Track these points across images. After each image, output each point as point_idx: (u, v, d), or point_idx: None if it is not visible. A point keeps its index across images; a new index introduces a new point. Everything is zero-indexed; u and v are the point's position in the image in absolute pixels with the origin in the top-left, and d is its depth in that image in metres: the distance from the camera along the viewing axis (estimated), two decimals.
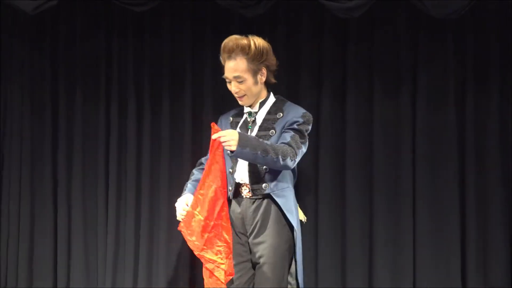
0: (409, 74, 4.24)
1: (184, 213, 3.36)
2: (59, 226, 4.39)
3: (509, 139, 4.20)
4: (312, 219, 4.24)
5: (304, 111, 3.49)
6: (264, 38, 4.12)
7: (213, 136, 3.30)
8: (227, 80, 3.46)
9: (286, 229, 3.42)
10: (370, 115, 4.25)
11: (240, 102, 3.51)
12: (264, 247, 3.40)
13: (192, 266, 4.26)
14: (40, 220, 4.40)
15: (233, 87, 3.44)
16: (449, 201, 4.19)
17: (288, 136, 3.39)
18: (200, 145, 4.25)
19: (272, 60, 3.50)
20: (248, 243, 3.47)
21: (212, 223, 3.33)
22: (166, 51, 4.33)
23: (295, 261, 3.43)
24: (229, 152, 3.28)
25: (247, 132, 3.47)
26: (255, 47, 3.38)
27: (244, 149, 3.25)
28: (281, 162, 3.33)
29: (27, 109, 4.41)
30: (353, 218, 4.23)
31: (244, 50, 3.38)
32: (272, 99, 3.55)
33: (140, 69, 4.34)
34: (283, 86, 4.24)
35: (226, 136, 3.25)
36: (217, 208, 3.34)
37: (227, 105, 3.99)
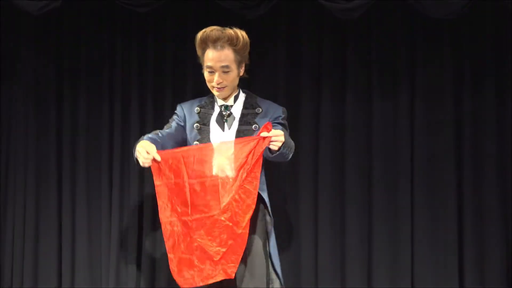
0: (407, 73, 4.27)
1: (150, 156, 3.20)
2: (63, 226, 4.40)
3: (507, 137, 4.23)
4: (312, 219, 4.28)
5: (281, 107, 3.50)
6: (264, 38, 4.20)
7: (265, 134, 3.18)
8: (208, 70, 3.37)
9: (262, 224, 3.37)
10: (369, 114, 4.28)
11: (217, 94, 3.42)
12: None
13: None
14: (44, 220, 4.41)
15: (216, 77, 3.35)
16: (447, 200, 4.22)
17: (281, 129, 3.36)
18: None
19: (248, 54, 3.46)
20: None
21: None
22: (169, 51, 4.35)
23: (270, 254, 3.36)
24: (269, 152, 3.23)
25: (223, 125, 3.42)
26: (242, 38, 3.35)
27: (284, 149, 3.24)
28: (290, 157, 3.39)
29: (31, 108, 4.42)
30: (352, 217, 4.26)
31: (232, 41, 3.32)
32: (242, 93, 3.50)
33: (143, 69, 4.36)
34: (284, 85, 4.30)
35: (278, 136, 3.20)
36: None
37: None
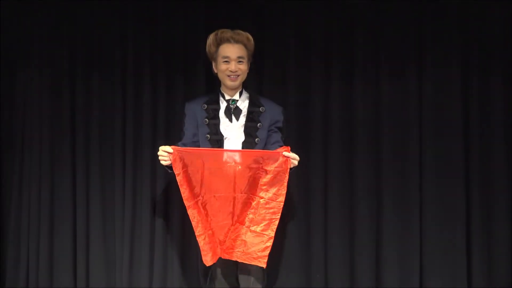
0: (415, 56, 4.29)
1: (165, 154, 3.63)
2: (77, 223, 4.41)
3: None
4: (322, 210, 4.32)
5: (281, 107, 3.91)
6: (273, 22, 4.30)
7: (288, 154, 3.59)
8: (224, 60, 3.78)
9: None
10: (377, 98, 4.31)
11: (230, 82, 3.80)
12: None
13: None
14: (59, 218, 4.41)
15: (233, 66, 3.76)
16: (455, 193, 4.26)
17: (279, 138, 3.82)
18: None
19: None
20: None
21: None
22: (180, 35, 4.35)
23: None
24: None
25: (231, 117, 3.82)
26: (252, 41, 3.82)
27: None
28: None
29: (45, 92, 4.42)
30: (361, 206, 4.30)
31: (244, 40, 3.79)
32: (245, 91, 3.90)
33: (154, 52, 4.36)
34: (293, 69, 4.33)
35: (296, 158, 3.63)
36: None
37: None
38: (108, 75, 4.42)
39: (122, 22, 4.40)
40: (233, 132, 3.79)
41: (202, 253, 3.62)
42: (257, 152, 3.66)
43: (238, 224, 3.65)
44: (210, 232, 3.64)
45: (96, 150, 4.41)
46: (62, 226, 4.41)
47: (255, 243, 3.58)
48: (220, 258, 3.67)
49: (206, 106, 3.84)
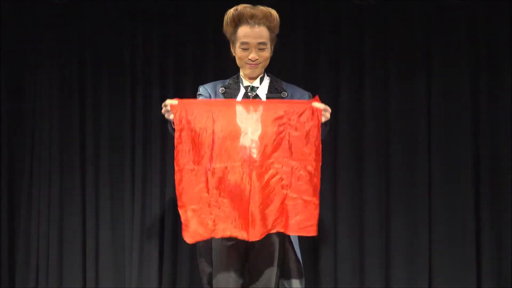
0: (424, 58, 4.30)
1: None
2: (87, 224, 4.43)
3: None
4: (330, 212, 4.32)
5: (307, 92, 3.37)
6: (282, 24, 4.21)
7: (318, 105, 3.06)
8: (242, 47, 3.22)
9: None
10: (387, 100, 4.32)
11: (249, 71, 3.28)
12: None
13: None
14: (68, 220, 4.45)
15: (252, 54, 3.21)
16: (464, 193, 4.26)
17: None
18: None
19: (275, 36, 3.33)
20: None
21: None
22: (189, 35, 4.38)
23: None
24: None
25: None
26: (276, 17, 3.24)
27: (326, 127, 3.17)
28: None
29: (55, 94, 4.46)
30: (369, 206, 4.30)
31: (268, 18, 3.20)
32: (267, 76, 3.36)
33: (164, 53, 4.39)
34: (302, 71, 4.35)
35: (328, 110, 3.11)
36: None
37: None
38: (117, 76, 4.45)
39: (131, 23, 4.43)
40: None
41: (185, 227, 3.06)
42: (281, 104, 3.09)
43: (270, 192, 3.03)
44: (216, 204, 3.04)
45: (106, 152, 4.44)
46: (72, 228, 4.44)
47: (298, 211, 3.04)
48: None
49: (224, 89, 3.33)
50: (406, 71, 4.32)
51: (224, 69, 4.32)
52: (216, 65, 4.31)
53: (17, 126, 4.52)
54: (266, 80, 3.35)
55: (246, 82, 3.33)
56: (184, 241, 4.01)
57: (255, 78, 3.32)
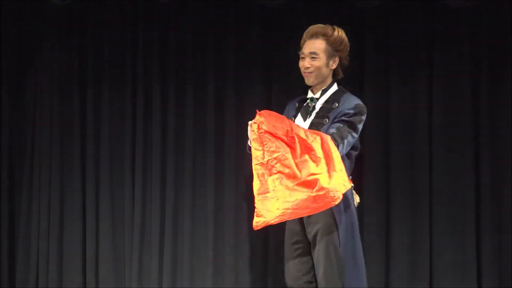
0: (425, 61, 4.29)
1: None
2: (87, 224, 4.43)
3: None
4: None
5: (357, 102, 3.62)
6: (283, 27, 4.22)
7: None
8: (301, 56, 3.66)
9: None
10: (387, 102, 4.31)
11: (306, 79, 3.67)
12: (318, 226, 3.51)
13: (213, 263, 4.33)
14: (69, 218, 4.45)
15: (305, 63, 3.63)
16: (465, 193, 4.24)
17: (334, 128, 3.51)
18: (222, 134, 4.34)
19: (346, 55, 3.71)
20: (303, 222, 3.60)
21: None
22: (190, 42, 4.36)
23: (339, 235, 3.50)
24: None
25: (306, 116, 3.64)
26: (337, 33, 3.64)
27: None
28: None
29: (56, 97, 4.45)
30: (370, 206, 4.27)
31: (327, 34, 3.62)
32: (334, 88, 3.70)
33: (164, 57, 4.38)
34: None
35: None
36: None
37: (249, 95, 4.15)
38: (117, 79, 4.44)
39: (133, 27, 4.42)
40: None
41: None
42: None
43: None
44: None
45: (106, 155, 4.44)
46: (72, 228, 4.44)
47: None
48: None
49: (297, 104, 3.76)
50: (407, 76, 4.31)
51: (224, 69, 4.36)
52: (216, 70, 4.32)
53: (18, 126, 4.52)
54: (331, 91, 3.68)
55: (309, 94, 3.72)
56: (184, 241, 4.05)
57: (318, 90, 3.66)
